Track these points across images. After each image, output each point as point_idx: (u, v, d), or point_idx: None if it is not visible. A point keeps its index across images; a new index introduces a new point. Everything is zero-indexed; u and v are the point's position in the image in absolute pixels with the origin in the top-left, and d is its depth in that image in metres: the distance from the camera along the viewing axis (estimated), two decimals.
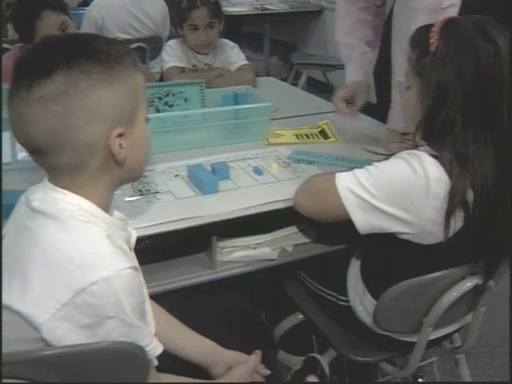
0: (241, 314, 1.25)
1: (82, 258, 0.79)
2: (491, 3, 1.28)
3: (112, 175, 0.88)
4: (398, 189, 1.07)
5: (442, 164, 1.05)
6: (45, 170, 0.86)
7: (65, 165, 0.83)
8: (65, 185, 0.85)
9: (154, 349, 0.90)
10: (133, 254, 0.96)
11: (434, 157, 1.06)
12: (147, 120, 0.92)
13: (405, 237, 1.09)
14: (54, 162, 0.83)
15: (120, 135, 0.84)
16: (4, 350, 0.78)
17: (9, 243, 0.86)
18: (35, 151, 0.83)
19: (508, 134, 1.05)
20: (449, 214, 1.04)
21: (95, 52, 0.82)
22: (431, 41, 1.07)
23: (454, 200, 1.03)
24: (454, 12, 1.43)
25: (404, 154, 1.10)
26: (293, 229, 1.36)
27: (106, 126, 0.83)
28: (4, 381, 0.75)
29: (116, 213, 0.94)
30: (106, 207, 0.90)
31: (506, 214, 1.07)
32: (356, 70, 1.81)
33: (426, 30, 1.11)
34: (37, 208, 0.84)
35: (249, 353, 1.12)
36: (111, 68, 0.82)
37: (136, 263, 0.91)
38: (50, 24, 1.95)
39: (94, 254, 0.81)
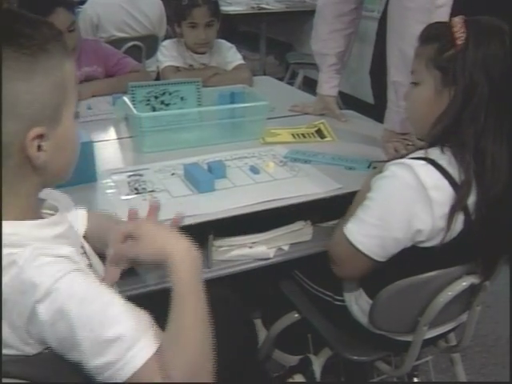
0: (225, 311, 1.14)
1: (13, 293, 0.71)
2: (480, 3, 1.28)
3: (30, 183, 0.77)
4: (400, 210, 1.06)
5: (438, 167, 1.04)
6: None
7: None
8: None
9: (143, 349, 0.73)
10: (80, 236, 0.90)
11: (430, 161, 1.05)
12: (76, 115, 0.82)
13: (421, 245, 1.09)
14: None
15: (40, 136, 0.73)
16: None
17: None
18: None
19: None
20: (453, 212, 1.03)
21: (15, 35, 0.70)
22: (458, 34, 1.04)
23: (462, 202, 1.03)
24: (446, 11, 1.44)
25: (393, 167, 1.08)
26: (289, 228, 1.36)
27: (22, 125, 0.72)
28: (3, 381, 0.75)
29: (47, 204, 0.84)
30: (34, 212, 0.81)
31: (509, 216, 1.07)
32: (325, 82, 1.92)
33: (443, 24, 1.09)
34: None
35: (231, 350, 1.01)
36: (33, 56, 0.71)
37: (87, 251, 0.87)
38: (62, 22, 1.93)
39: (23, 283, 0.71)
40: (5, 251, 0.72)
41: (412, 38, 1.43)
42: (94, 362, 0.72)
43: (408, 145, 1.57)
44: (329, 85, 1.92)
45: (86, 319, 0.72)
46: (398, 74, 1.53)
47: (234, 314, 1.19)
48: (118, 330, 0.72)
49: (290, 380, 1.50)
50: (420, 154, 1.09)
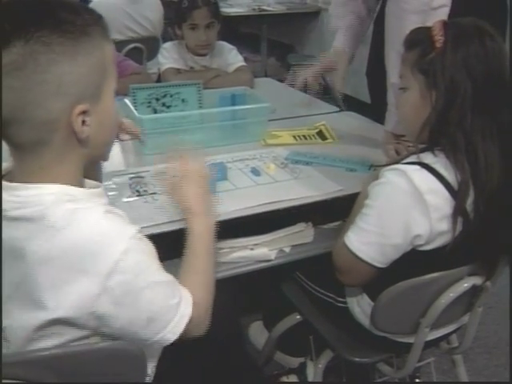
0: None
1: (95, 244, 0.78)
2: (478, 5, 1.28)
3: (77, 153, 0.83)
4: (398, 216, 1.06)
5: (434, 173, 1.04)
6: (11, 151, 0.81)
7: (25, 142, 0.78)
8: (31, 169, 0.81)
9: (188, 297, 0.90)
10: None
11: (425, 165, 1.05)
12: (115, 93, 0.87)
13: (420, 248, 1.09)
14: (15, 137, 0.78)
15: (83, 112, 0.79)
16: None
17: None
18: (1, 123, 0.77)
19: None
20: (455, 217, 1.04)
21: (59, 21, 0.75)
22: (436, 37, 1.06)
23: (462, 202, 1.03)
24: (444, 13, 1.43)
25: (387, 173, 1.08)
26: (290, 230, 1.36)
27: (67, 103, 0.77)
28: (3, 381, 0.75)
29: (88, 182, 0.89)
30: (80, 183, 0.86)
31: (507, 213, 1.07)
32: (342, 37, 1.79)
33: (423, 29, 1.11)
34: (18, 216, 0.79)
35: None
36: (75, 39, 0.77)
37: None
38: None
39: (102, 234, 0.79)
40: (65, 206, 0.79)
41: (400, 40, 1.45)
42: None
43: (409, 146, 1.55)
44: (344, 40, 1.79)
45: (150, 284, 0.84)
46: (396, 75, 1.52)
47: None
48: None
49: (285, 379, 1.51)
50: (414, 158, 1.09)
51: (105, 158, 0.94)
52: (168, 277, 0.88)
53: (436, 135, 1.07)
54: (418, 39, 1.12)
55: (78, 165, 0.85)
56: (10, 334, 0.81)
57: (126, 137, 1.15)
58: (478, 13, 1.08)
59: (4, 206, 0.79)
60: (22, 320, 0.79)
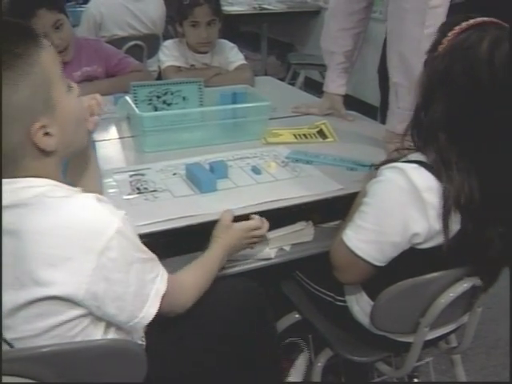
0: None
1: (91, 223, 0.81)
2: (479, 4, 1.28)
3: (54, 157, 0.87)
4: (396, 213, 1.06)
5: (431, 169, 1.04)
6: None
7: (5, 164, 0.82)
8: (13, 174, 0.84)
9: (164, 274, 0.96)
10: None
11: (423, 164, 1.05)
12: (70, 87, 0.89)
13: (419, 246, 1.09)
14: None
15: (42, 127, 0.82)
16: (45, 340, 0.81)
17: None
18: None
19: (492, 148, 1.02)
20: (445, 218, 1.03)
21: None
22: (444, 40, 1.05)
23: (447, 204, 1.03)
24: (442, 12, 1.42)
25: (386, 171, 1.09)
26: (291, 228, 1.36)
27: (23, 127, 0.80)
28: (4, 379, 0.75)
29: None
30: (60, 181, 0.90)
31: (498, 221, 1.06)
32: (332, 81, 1.92)
33: (449, 24, 1.07)
34: (10, 203, 0.81)
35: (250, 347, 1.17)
36: (11, 67, 0.78)
37: None
38: (44, 23, 1.92)
39: (96, 214, 0.83)
40: (58, 193, 0.84)
41: (410, 40, 1.46)
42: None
43: (410, 145, 1.57)
44: (336, 83, 1.92)
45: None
46: (397, 75, 1.54)
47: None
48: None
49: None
50: (412, 157, 1.09)
51: (82, 147, 0.99)
52: (149, 254, 0.93)
53: (416, 138, 1.10)
54: (440, 31, 1.09)
55: (57, 164, 0.89)
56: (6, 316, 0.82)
57: (93, 124, 1.09)
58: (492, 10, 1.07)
59: None
60: (18, 298, 0.80)
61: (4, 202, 0.81)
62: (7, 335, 0.82)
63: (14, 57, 0.78)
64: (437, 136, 1.05)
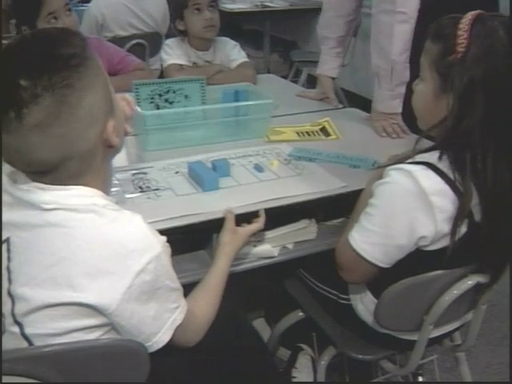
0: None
1: (136, 243, 0.83)
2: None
3: (108, 161, 0.93)
4: (402, 217, 1.05)
5: (438, 171, 1.02)
6: (40, 180, 0.84)
7: (72, 173, 0.84)
8: (63, 182, 0.85)
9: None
10: None
11: (430, 165, 1.03)
12: (118, 90, 0.96)
13: (425, 248, 1.08)
14: (61, 175, 0.83)
15: (113, 126, 0.87)
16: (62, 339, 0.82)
17: (23, 244, 0.84)
18: (39, 172, 0.83)
19: None
20: (456, 223, 1.02)
21: (64, 59, 0.78)
22: (459, 40, 1.01)
23: (464, 210, 1.01)
24: (410, 25, 1.61)
25: (392, 172, 1.07)
26: (294, 226, 1.36)
27: (101, 126, 0.85)
28: (4, 378, 0.75)
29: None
30: (107, 190, 0.94)
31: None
32: (324, 63, 2.07)
33: (451, 21, 1.05)
34: (68, 207, 0.83)
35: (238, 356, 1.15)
36: (85, 69, 0.80)
37: None
38: (58, 1, 1.94)
39: (143, 235, 0.84)
40: (109, 205, 0.86)
41: (377, 26, 1.66)
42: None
43: (393, 123, 1.70)
44: (328, 66, 2.04)
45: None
46: (376, 57, 1.70)
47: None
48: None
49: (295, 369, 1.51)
50: (419, 158, 1.07)
51: (121, 149, 0.99)
52: (177, 284, 0.93)
53: (449, 139, 1.05)
54: (443, 34, 1.06)
55: (108, 170, 0.94)
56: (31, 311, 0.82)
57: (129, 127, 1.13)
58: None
59: (46, 201, 0.83)
60: (49, 297, 0.81)
61: (58, 205, 0.83)
62: (27, 330, 0.83)
63: (85, 60, 0.81)
64: (470, 137, 1.02)
